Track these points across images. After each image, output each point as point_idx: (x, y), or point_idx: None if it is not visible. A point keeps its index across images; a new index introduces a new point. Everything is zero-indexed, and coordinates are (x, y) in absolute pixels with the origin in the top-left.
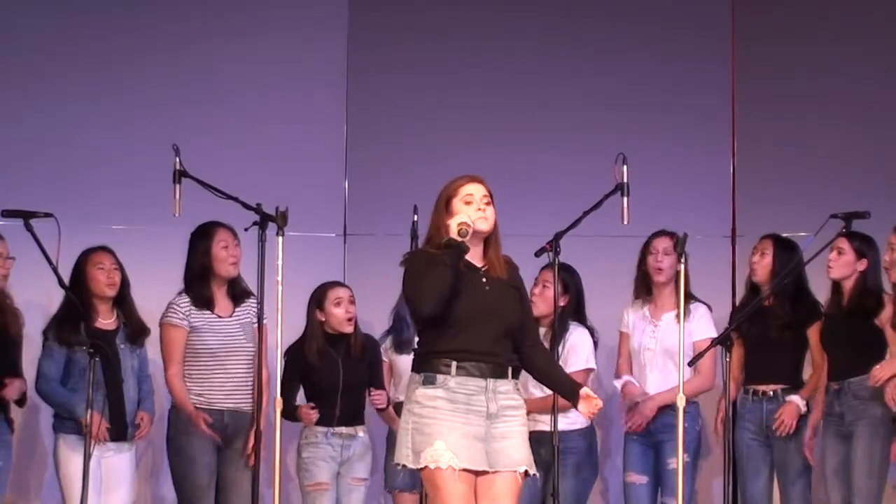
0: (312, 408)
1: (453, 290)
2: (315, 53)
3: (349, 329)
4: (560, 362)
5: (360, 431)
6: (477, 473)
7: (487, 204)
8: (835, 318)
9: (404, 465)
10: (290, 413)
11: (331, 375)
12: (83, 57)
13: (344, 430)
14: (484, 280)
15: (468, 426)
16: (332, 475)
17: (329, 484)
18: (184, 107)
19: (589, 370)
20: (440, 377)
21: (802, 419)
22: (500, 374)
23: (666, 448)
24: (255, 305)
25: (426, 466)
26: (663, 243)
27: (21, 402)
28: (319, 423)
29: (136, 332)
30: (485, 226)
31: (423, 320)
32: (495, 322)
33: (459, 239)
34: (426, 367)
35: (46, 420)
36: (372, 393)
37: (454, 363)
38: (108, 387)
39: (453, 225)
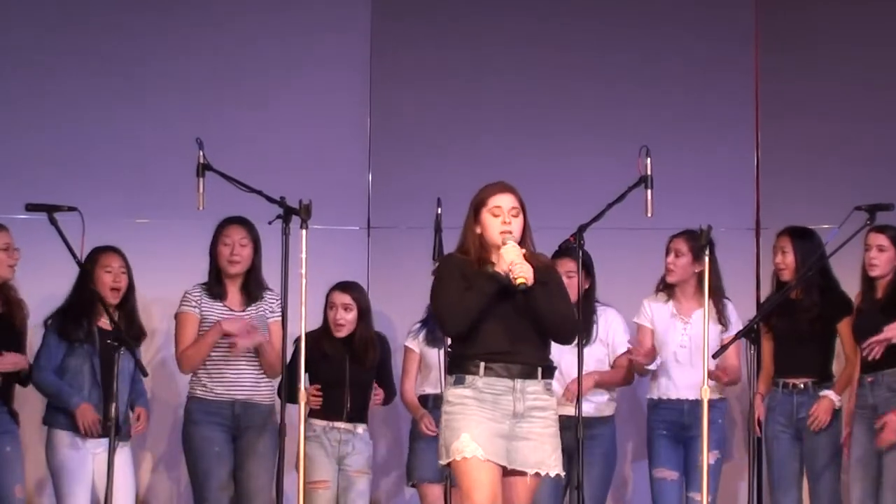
0: (318, 389)
1: (483, 314)
2: (338, 47)
3: (338, 334)
4: (602, 344)
5: (360, 429)
6: (504, 472)
7: (515, 216)
8: (869, 312)
9: (441, 464)
10: (292, 395)
11: (337, 372)
12: (107, 52)
13: (343, 425)
14: (508, 289)
15: (494, 423)
16: (332, 471)
17: (329, 481)
18: (208, 100)
19: (630, 350)
20: (469, 378)
21: (835, 414)
22: (529, 375)
23: (696, 444)
24: (272, 300)
25: (454, 459)
26: (676, 245)
27: (24, 381)
28: (322, 416)
29: (132, 335)
30: (500, 241)
31: (446, 334)
32: (521, 325)
33: (509, 281)
34: (457, 368)
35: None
36: (375, 390)
37: (482, 364)
38: (102, 385)
39: (516, 269)
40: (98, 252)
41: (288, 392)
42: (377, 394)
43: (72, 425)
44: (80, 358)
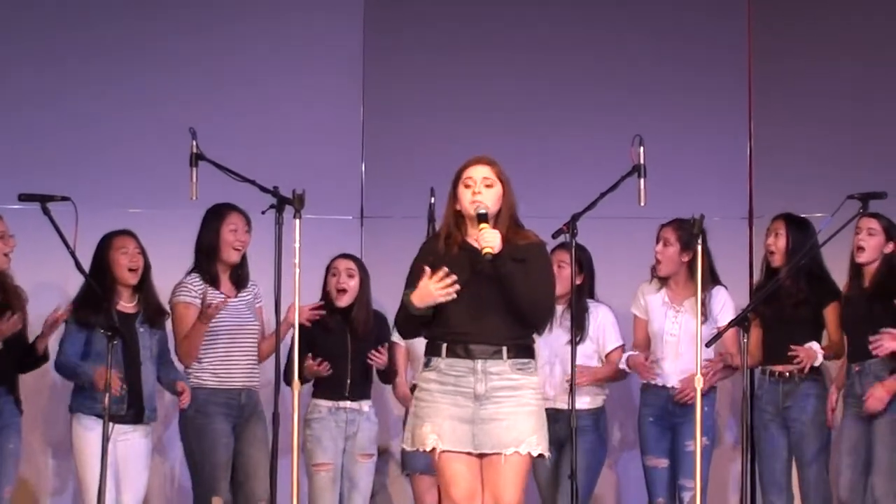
0: (320, 363)
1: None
2: (331, 36)
3: (340, 301)
4: (591, 341)
5: (366, 406)
6: (481, 456)
7: (489, 186)
8: (856, 300)
9: (404, 448)
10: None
11: (337, 346)
12: (99, 40)
13: (349, 404)
14: (478, 262)
15: (454, 408)
16: (337, 453)
17: (332, 464)
18: (200, 90)
19: (622, 346)
20: (434, 360)
21: (819, 399)
22: (493, 355)
23: (683, 430)
24: (253, 287)
25: (417, 449)
26: (665, 233)
27: (25, 366)
28: (327, 396)
29: (154, 314)
30: (472, 211)
31: None
32: (487, 303)
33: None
34: (428, 350)
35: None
36: (373, 352)
37: (444, 345)
38: (126, 369)
39: (481, 238)
40: (112, 235)
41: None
42: (380, 356)
43: (97, 411)
44: (101, 343)
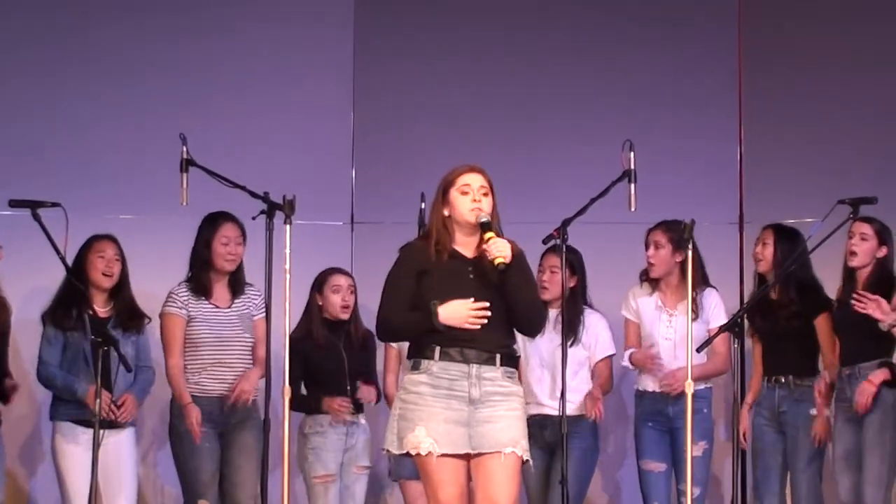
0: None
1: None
2: (322, 41)
3: (344, 316)
4: (584, 348)
5: (362, 419)
6: (468, 458)
7: (485, 195)
8: (849, 304)
9: (388, 451)
10: (299, 404)
11: (335, 361)
12: (90, 47)
13: (349, 417)
14: (470, 269)
15: (449, 411)
16: (338, 465)
17: (334, 475)
18: (191, 96)
19: (613, 355)
20: (425, 362)
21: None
22: (487, 361)
23: (682, 434)
24: (255, 296)
25: (408, 452)
26: (655, 237)
27: (4, 398)
28: (324, 411)
29: (127, 319)
30: (472, 218)
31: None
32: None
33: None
34: (415, 352)
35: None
36: (361, 388)
37: (438, 348)
38: (94, 371)
39: (493, 247)
40: (94, 239)
41: (301, 403)
42: (369, 390)
43: (77, 417)
44: (75, 346)
